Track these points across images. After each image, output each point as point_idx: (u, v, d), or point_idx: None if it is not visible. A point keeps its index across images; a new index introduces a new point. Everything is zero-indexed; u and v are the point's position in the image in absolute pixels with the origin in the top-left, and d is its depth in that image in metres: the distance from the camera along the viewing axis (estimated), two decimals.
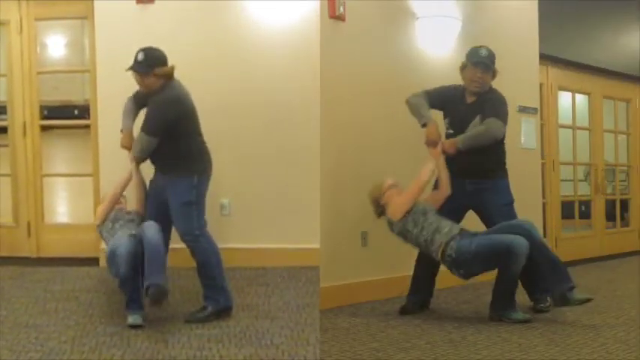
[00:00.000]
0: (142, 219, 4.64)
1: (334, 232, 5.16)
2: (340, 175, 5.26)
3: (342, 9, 5.23)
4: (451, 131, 5.00)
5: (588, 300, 4.65)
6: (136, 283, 4.24)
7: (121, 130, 4.73)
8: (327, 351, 3.98)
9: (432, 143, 4.91)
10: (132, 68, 4.44)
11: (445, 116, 5.09)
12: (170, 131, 4.42)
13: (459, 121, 4.96)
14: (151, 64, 4.40)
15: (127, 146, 4.68)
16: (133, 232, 4.42)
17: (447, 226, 4.74)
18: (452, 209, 4.93)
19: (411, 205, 4.80)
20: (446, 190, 4.94)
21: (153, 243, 4.25)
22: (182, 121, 4.46)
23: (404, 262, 5.50)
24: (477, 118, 4.88)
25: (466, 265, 4.68)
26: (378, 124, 5.52)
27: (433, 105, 5.02)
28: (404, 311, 4.97)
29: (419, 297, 5.06)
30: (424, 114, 4.94)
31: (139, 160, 4.64)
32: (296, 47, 5.75)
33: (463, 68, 5.02)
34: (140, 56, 4.42)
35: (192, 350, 3.88)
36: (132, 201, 4.88)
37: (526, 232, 4.64)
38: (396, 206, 4.85)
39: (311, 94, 5.32)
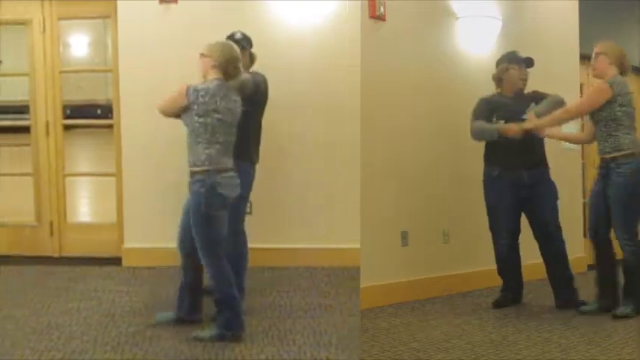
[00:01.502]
0: None
1: (374, 231, 5.12)
2: (380, 174, 5.22)
3: (382, 9, 5.23)
4: (502, 121, 5.07)
5: None
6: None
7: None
8: (367, 351, 3.99)
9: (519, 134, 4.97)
10: (236, 42, 4.42)
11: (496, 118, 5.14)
12: (258, 107, 4.56)
13: (506, 112, 5.06)
14: (248, 43, 4.64)
15: None
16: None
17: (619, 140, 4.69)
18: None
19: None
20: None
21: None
22: (264, 106, 4.64)
23: (444, 262, 5.55)
24: (532, 104, 5.04)
25: None
26: (418, 123, 5.49)
27: (485, 116, 5.10)
28: (498, 305, 5.12)
29: (511, 292, 5.22)
30: (491, 127, 5.03)
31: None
32: (321, 46, 5.73)
33: (505, 71, 5.13)
34: (238, 35, 4.61)
35: (215, 349, 3.88)
36: None
37: None
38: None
39: (343, 94, 5.46)
